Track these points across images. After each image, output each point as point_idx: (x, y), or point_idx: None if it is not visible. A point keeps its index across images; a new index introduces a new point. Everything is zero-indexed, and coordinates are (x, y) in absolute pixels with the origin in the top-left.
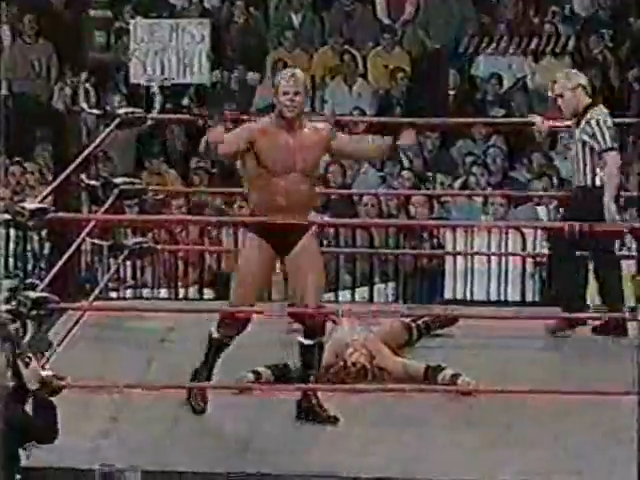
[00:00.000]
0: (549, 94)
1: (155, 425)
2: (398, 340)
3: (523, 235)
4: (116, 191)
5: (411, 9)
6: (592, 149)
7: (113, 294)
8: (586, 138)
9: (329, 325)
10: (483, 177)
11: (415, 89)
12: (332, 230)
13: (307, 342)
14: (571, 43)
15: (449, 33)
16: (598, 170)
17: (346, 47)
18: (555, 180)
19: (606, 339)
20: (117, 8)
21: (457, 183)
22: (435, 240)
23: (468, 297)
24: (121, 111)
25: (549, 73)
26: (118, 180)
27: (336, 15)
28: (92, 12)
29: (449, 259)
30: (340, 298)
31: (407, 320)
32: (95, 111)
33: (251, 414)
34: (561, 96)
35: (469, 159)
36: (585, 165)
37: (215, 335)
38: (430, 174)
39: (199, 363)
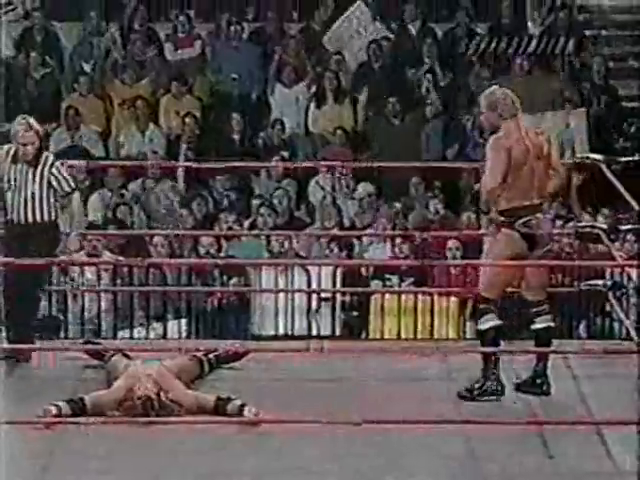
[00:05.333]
0: None
1: None
2: (190, 373)
3: (308, 272)
4: None
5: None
6: (55, 190)
7: None
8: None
9: (124, 361)
10: (270, 218)
11: (205, 134)
12: (126, 269)
13: None
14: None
15: (238, 80)
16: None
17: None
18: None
19: None
20: None
21: (246, 223)
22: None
23: (257, 331)
24: None
25: (331, 119)
26: None
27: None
28: None
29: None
30: (135, 335)
31: (199, 354)
32: None
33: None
34: None
35: (257, 201)
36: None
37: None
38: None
39: None
